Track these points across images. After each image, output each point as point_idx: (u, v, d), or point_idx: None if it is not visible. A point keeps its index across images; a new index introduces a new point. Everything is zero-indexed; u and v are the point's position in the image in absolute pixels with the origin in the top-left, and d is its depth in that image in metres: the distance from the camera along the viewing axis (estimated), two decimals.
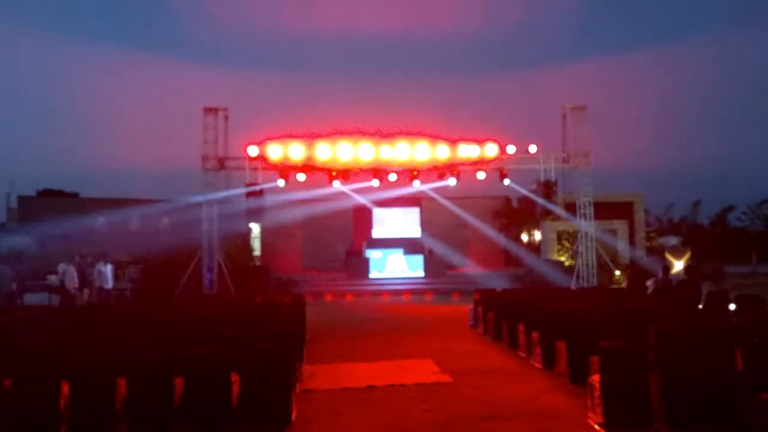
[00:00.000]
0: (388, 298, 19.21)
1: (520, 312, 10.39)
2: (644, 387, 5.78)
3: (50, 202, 27.68)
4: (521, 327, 9.99)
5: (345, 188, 20.56)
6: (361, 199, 24.61)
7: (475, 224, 26.42)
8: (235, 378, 6.43)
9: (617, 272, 20.83)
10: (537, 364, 8.92)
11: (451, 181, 19.96)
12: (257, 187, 18.84)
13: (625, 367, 6.05)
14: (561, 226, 23.72)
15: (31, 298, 17.78)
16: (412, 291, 20.95)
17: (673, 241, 26.32)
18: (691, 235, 30.01)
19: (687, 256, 22.67)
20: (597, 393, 5.96)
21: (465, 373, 8.51)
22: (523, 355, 9.72)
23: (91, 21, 56.26)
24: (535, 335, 9.19)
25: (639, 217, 25.64)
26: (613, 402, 5.82)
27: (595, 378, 6.15)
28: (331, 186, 19.55)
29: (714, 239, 32.54)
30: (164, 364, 6.39)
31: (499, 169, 19.73)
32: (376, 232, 25.52)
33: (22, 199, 27.49)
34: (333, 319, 15.14)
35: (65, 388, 6.15)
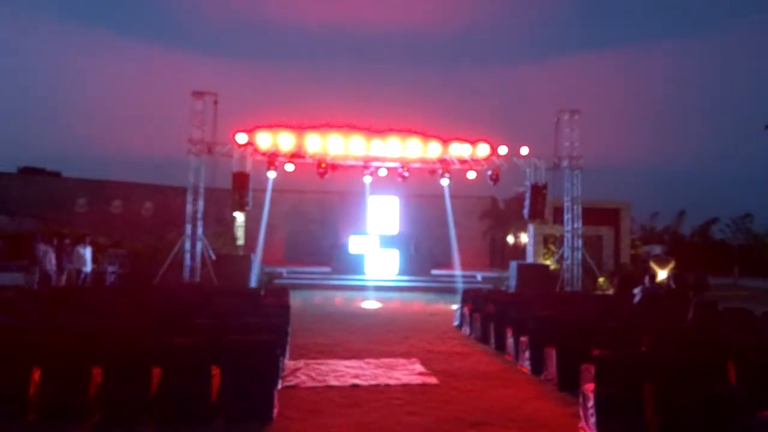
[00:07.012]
0: (373, 295, 18.98)
1: (508, 315, 10.24)
2: (639, 398, 5.63)
3: (30, 180, 27.12)
4: (509, 330, 9.83)
5: (333, 181, 20.23)
6: (349, 193, 24.32)
7: (462, 224, 26.26)
8: (215, 371, 6.19)
9: (600, 279, 20.79)
10: (524, 369, 8.76)
11: (444, 181, 19.74)
12: (244, 175, 18.47)
13: (619, 377, 5.89)
14: (548, 230, 23.69)
15: (6, 279, 17.35)
16: (397, 288, 20.74)
17: (657, 249, 26.43)
18: (675, 244, 30.17)
19: (671, 265, 22.73)
20: (590, 403, 5.79)
21: (451, 375, 8.33)
22: (510, 359, 9.56)
23: (81, 4, 55.47)
24: (523, 339, 9.03)
25: (625, 224, 25.68)
26: (607, 412, 5.65)
27: (589, 387, 5.98)
28: (320, 178, 19.25)
29: (696, 250, 32.78)
30: (142, 353, 6.14)
31: (490, 169, 19.54)
32: (363, 228, 25.23)
33: (1, 176, 26.87)
34: (317, 313, 14.88)
35: (36, 375, 5.88)
